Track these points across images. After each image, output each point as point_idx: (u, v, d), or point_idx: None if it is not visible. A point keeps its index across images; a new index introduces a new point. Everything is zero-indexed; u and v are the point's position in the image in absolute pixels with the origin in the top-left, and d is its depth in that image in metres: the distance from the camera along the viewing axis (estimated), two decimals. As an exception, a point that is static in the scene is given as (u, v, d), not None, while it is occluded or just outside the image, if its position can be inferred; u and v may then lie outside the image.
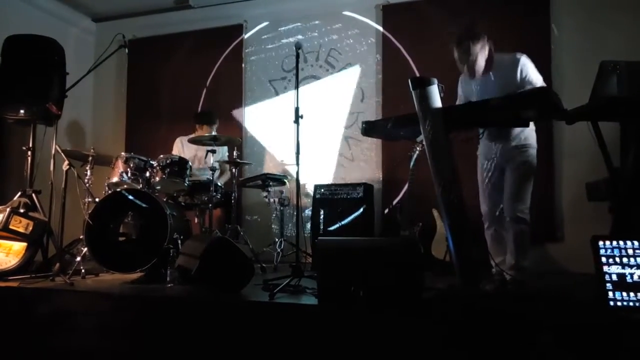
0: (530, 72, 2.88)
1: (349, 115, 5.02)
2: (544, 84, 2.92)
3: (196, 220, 4.30)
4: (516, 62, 2.88)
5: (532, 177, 2.97)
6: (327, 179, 4.90)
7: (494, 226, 3.09)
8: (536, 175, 3.01)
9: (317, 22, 5.24)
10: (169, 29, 5.73)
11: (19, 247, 3.42)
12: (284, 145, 5.04)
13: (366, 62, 5.02)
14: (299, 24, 5.31)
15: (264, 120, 5.34)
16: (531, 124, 2.99)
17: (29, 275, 3.32)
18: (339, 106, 5.06)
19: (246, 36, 5.47)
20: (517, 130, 2.93)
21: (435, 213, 4.03)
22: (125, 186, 3.64)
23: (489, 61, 2.93)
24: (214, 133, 4.24)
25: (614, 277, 2.04)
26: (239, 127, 5.35)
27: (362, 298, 2.22)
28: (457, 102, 3.22)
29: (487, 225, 3.12)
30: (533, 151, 2.99)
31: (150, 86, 5.74)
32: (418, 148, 3.83)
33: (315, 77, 5.19)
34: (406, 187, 4.05)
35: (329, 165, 5.01)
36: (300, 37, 5.21)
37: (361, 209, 4.21)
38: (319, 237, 3.78)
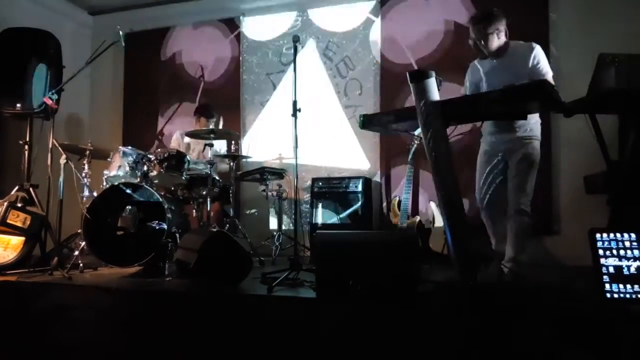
0: (542, 61, 2.95)
1: (347, 108, 5.01)
2: (551, 78, 2.94)
3: (194, 214, 4.30)
4: (531, 49, 2.96)
5: (536, 169, 3.00)
6: (326, 172, 4.90)
7: (486, 210, 3.14)
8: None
9: (315, 14, 5.21)
10: (166, 22, 5.71)
11: (16, 241, 3.42)
12: (282, 139, 5.03)
13: (365, 55, 5.00)
14: (296, 16, 5.28)
15: (262, 114, 5.32)
16: (536, 115, 3.00)
17: (27, 270, 3.32)
18: (333, 97, 5.04)
19: (243, 29, 5.45)
20: (522, 121, 2.95)
21: (433, 206, 4.04)
22: (122, 180, 3.63)
23: (504, 45, 3.00)
24: (212, 127, 4.22)
25: (611, 270, 2.04)
26: (237, 120, 5.33)
27: (360, 291, 2.22)
28: (464, 90, 3.23)
29: (481, 208, 3.19)
30: (537, 143, 3.01)
31: (147, 80, 5.71)
32: (416, 141, 3.82)
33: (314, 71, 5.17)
34: (404, 180, 4.05)
35: (328, 158, 5.00)
36: (297, 30, 5.18)
37: (359, 203, 4.21)
38: (317, 231, 3.79)
